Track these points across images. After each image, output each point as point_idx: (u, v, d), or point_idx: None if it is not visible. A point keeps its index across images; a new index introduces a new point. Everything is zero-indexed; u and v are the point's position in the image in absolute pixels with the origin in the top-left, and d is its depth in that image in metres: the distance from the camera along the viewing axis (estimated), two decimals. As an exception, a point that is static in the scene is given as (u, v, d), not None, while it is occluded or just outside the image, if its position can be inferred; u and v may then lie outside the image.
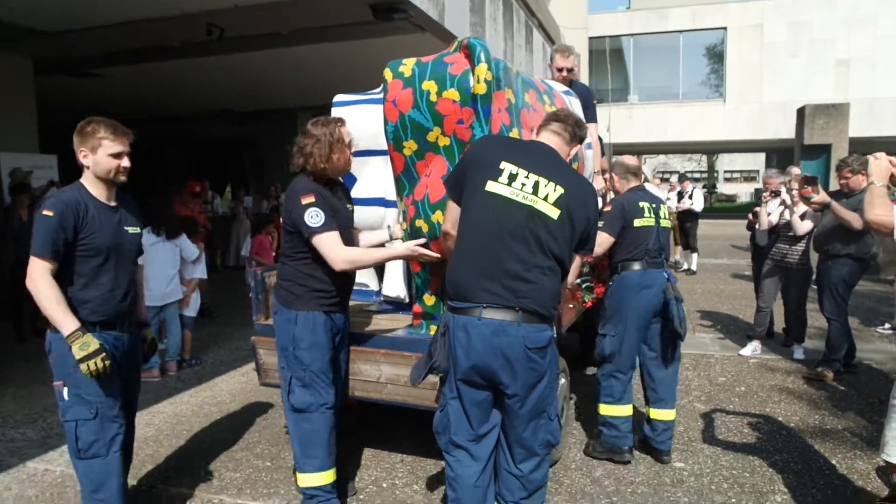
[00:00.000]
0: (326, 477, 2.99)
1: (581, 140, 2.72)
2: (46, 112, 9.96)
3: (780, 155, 25.79)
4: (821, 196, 4.78)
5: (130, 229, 2.74)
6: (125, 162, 2.63)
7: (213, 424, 4.42)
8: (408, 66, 3.20)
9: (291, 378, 2.95)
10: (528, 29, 12.43)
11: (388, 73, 3.23)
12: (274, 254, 7.15)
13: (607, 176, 4.39)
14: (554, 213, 2.40)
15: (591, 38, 23.31)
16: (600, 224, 3.69)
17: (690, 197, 11.27)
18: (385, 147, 3.37)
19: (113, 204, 2.68)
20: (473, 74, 2.98)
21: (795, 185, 5.42)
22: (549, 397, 2.49)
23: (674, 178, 13.60)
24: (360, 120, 3.68)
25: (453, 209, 2.60)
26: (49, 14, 6.87)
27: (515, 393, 2.40)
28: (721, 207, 36.43)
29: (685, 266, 11.67)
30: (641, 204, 3.73)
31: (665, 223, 3.83)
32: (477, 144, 2.78)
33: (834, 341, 5.19)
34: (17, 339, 6.77)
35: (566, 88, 4.51)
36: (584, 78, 22.08)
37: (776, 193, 6.03)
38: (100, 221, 2.57)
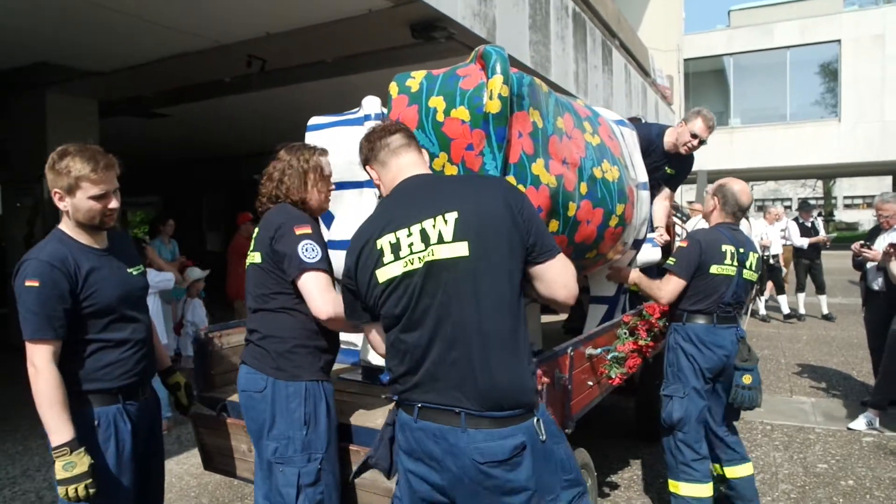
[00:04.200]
0: None
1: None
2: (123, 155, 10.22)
3: (907, 178, 23.24)
4: None
5: (132, 270, 2.26)
6: (113, 203, 2.11)
7: None
8: (416, 79, 2.70)
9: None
10: (605, 49, 11.53)
11: (393, 88, 2.73)
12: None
13: (675, 218, 3.62)
14: (461, 249, 1.66)
15: (687, 60, 22.33)
16: (672, 262, 3.06)
17: (814, 229, 9.81)
18: (362, 178, 2.76)
19: (105, 246, 2.19)
20: (486, 89, 2.42)
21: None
22: None
23: (778, 208, 11.93)
24: (333, 147, 3.05)
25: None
26: (95, 54, 6.82)
27: None
28: (839, 237, 33.20)
29: (800, 311, 9.91)
30: (724, 248, 3.02)
31: (749, 275, 3.10)
32: None
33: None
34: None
35: (619, 118, 3.73)
36: (679, 102, 20.85)
37: (896, 225, 4.82)
38: (98, 273, 2.10)
